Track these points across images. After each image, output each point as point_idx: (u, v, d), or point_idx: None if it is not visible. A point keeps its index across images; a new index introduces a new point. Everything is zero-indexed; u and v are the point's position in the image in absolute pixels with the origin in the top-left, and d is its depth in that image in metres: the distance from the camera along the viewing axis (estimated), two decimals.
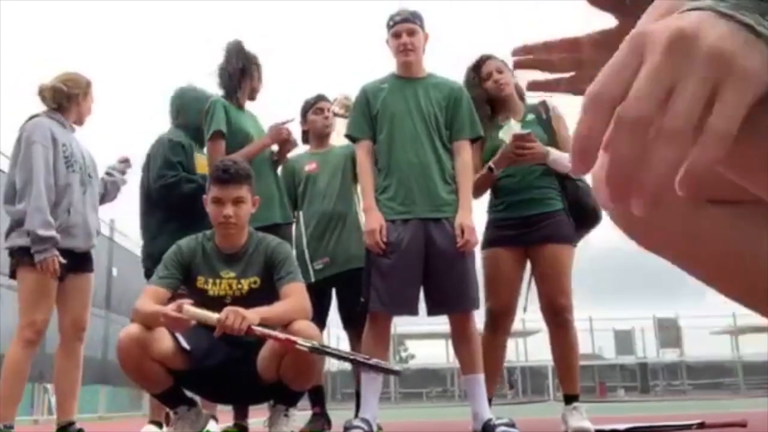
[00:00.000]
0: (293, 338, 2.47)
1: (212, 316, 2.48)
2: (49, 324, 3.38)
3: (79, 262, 3.45)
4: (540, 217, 3.27)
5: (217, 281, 2.76)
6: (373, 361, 2.55)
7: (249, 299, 2.68)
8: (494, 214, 3.37)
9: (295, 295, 2.69)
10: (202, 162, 3.61)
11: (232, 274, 2.76)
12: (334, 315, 3.75)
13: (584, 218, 3.32)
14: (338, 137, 3.82)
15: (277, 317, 2.57)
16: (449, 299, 3.01)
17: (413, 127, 3.10)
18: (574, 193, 3.33)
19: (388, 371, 2.64)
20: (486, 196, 3.45)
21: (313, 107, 3.91)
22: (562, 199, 3.32)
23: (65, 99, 3.50)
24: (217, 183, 2.75)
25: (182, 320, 2.46)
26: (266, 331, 2.49)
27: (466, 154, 3.14)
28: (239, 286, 2.75)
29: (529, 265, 3.38)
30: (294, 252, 3.35)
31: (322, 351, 2.51)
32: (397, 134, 3.10)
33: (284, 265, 2.79)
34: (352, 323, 3.56)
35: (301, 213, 3.81)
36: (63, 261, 3.24)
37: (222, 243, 2.81)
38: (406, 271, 2.96)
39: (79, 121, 3.59)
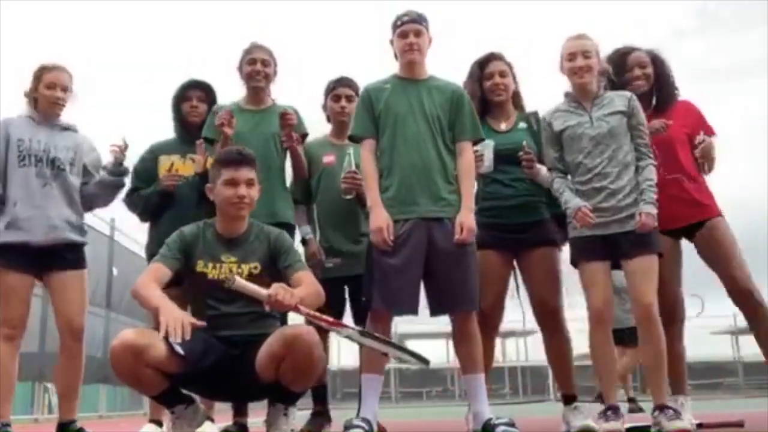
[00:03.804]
0: (342, 322, 2.62)
1: (262, 291, 2.57)
2: (27, 319, 3.38)
3: (56, 258, 3.39)
4: (528, 224, 3.38)
5: (218, 265, 2.81)
6: (411, 350, 2.68)
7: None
8: (484, 219, 3.40)
9: (312, 283, 2.78)
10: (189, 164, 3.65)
11: (233, 259, 2.81)
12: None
13: (563, 230, 3.45)
14: None
15: (309, 300, 2.65)
16: (451, 299, 3.01)
17: (416, 127, 3.10)
18: (556, 206, 3.45)
19: (421, 359, 2.68)
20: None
21: (332, 93, 3.84)
22: (548, 208, 3.43)
23: (27, 95, 3.52)
24: (231, 165, 2.85)
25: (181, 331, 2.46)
26: (314, 312, 2.60)
27: (468, 155, 3.16)
28: (239, 270, 2.79)
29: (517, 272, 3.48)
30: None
31: (370, 335, 2.66)
32: (400, 134, 3.11)
33: (290, 253, 2.88)
34: (364, 321, 3.57)
35: (314, 206, 3.78)
36: None
37: (224, 228, 2.88)
38: (408, 270, 2.96)
39: (46, 112, 3.49)
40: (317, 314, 2.62)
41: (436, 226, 3.02)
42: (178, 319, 2.47)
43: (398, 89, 3.18)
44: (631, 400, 6.86)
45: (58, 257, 3.40)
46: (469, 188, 3.11)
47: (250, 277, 2.76)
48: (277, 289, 2.55)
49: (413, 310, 3.04)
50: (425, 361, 2.70)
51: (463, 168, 3.13)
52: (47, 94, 3.47)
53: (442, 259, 2.99)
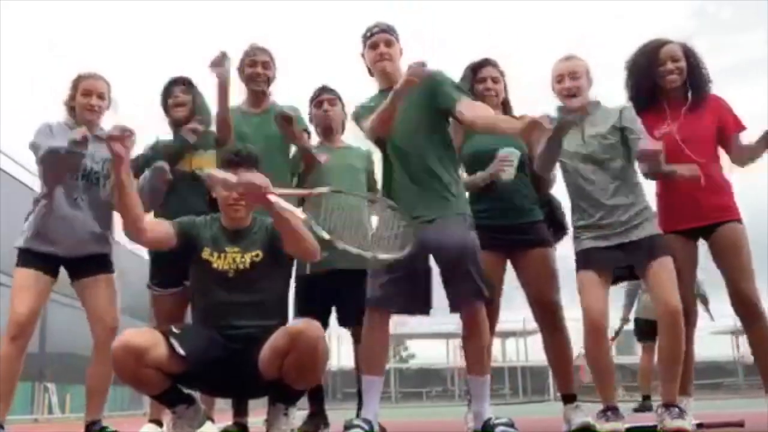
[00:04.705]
0: (316, 191, 2.80)
1: (230, 175, 2.68)
2: (35, 319, 3.37)
3: (82, 265, 3.44)
4: (523, 226, 3.39)
5: (222, 255, 2.84)
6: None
7: (251, 272, 2.80)
8: (477, 220, 3.42)
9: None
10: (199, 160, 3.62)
11: (237, 249, 2.85)
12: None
13: (554, 231, 3.50)
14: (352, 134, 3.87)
15: (291, 214, 2.66)
16: (457, 291, 2.98)
17: (409, 138, 3.09)
18: (548, 207, 3.52)
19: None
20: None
21: (314, 101, 3.87)
22: (541, 211, 3.46)
23: (66, 103, 3.54)
24: (229, 166, 2.84)
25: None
26: (285, 192, 2.74)
27: (472, 106, 3.06)
28: (243, 259, 2.82)
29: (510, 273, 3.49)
30: None
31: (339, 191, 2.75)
32: (391, 150, 3.11)
33: None
34: (350, 322, 3.57)
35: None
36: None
37: (228, 223, 2.91)
38: (402, 269, 2.90)
39: (83, 120, 3.50)
40: (288, 192, 2.76)
41: (438, 223, 3.01)
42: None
43: (383, 102, 3.12)
44: (645, 398, 6.83)
45: (84, 265, 3.45)
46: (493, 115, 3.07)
47: (253, 265, 2.80)
48: (250, 176, 2.64)
49: (407, 310, 3.04)
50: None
51: (478, 113, 3.01)
52: (83, 101, 3.49)
53: (445, 255, 2.99)
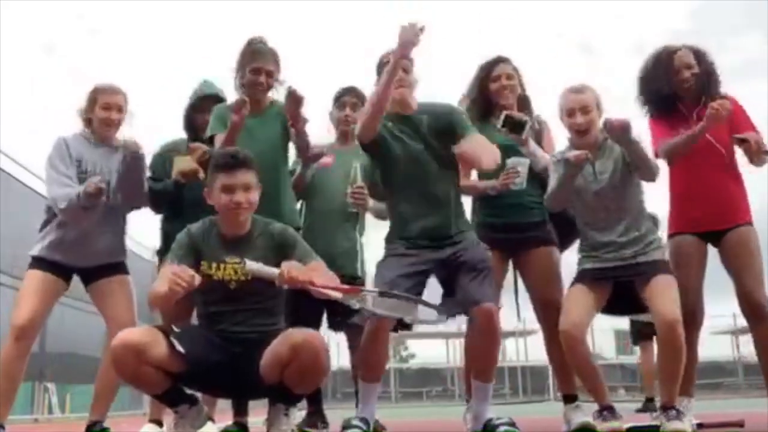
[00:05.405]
0: (357, 287, 2.67)
1: (273, 269, 2.57)
2: (39, 322, 3.38)
3: (96, 271, 3.47)
4: (527, 225, 3.40)
5: (222, 266, 2.78)
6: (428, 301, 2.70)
7: (254, 283, 2.72)
8: (482, 219, 3.41)
9: (326, 270, 2.75)
10: None
11: (237, 259, 2.76)
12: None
13: (567, 231, 3.44)
14: None
15: (321, 281, 2.61)
16: (473, 294, 2.95)
17: (424, 167, 3.10)
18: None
19: (439, 311, 2.68)
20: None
21: (339, 100, 3.84)
22: (545, 211, 3.43)
23: (81, 115, 3.55)
24: (226, 169, 2.76)
25: (186, 280, 2.47)
26: (329, 284, 2.61)
27: (472, 140, 3.08)
28: (244, 270, 2.74)
29: (510, 273, 3.51)
30: None
31: (390, 294, 2.62)
32: (406, 175, 3.10)
33: (297, 246, 2.84)
34: (339, 327, 3.57)
35: (303, 204, 3.77)
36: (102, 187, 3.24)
37: (226, 230, 2.83)
38: (399, 285, 2.87)
39: (100, 133, 3.51)
40: (332, 285, 2.63)
41: (461, 240, 3.06)
42: (176, 274, 2.48)
43: (397, 128, 3.13)
44: (649, 400, 6.83)
45: (98, 271, 3.48)
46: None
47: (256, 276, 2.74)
48: (290, 266, 2.55)
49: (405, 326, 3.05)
50: (442, 314, 2.67)
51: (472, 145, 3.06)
52: (103, 115, 3.49)
53: (471, 255, 3.00)
